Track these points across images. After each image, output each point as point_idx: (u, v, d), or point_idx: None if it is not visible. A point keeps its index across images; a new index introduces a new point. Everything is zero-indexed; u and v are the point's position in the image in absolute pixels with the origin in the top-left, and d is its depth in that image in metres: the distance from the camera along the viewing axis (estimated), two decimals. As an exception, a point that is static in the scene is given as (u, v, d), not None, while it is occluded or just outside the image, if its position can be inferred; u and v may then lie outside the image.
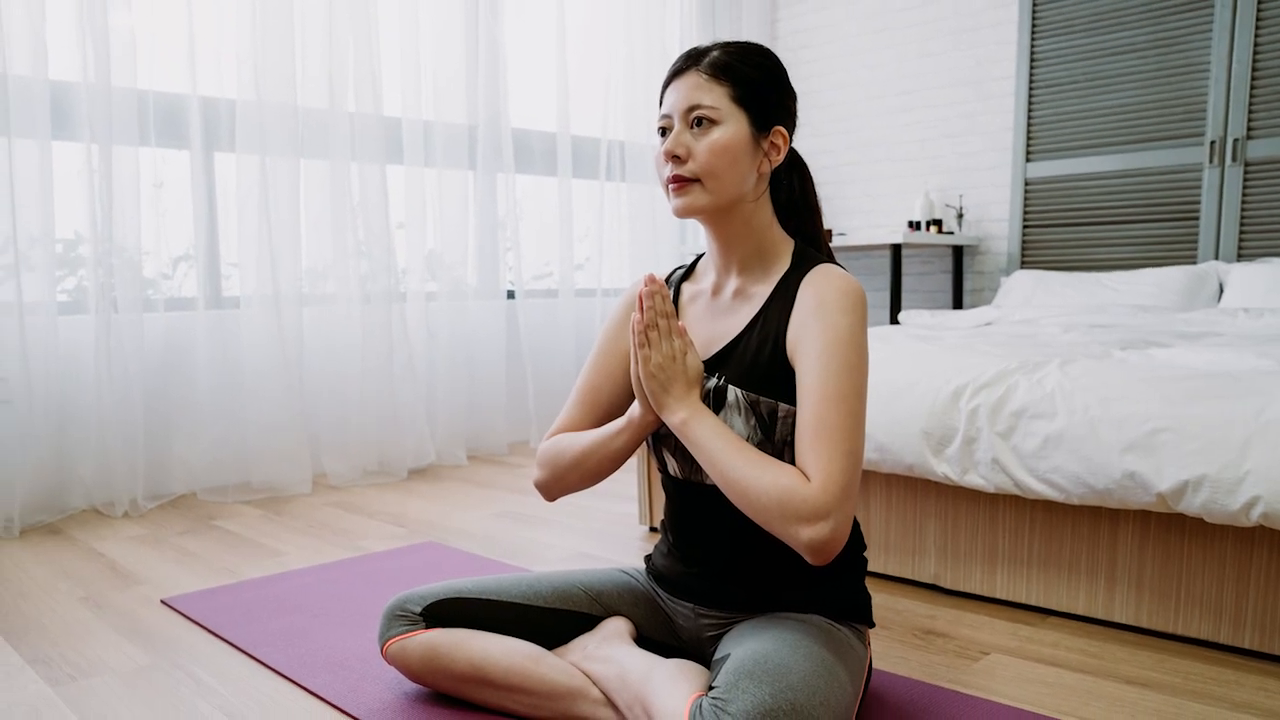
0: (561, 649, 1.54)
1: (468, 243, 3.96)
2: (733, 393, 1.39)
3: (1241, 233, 3.72)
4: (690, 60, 1.40)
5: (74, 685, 1.69)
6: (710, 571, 1.48)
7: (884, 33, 4.82)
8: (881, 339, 2.52)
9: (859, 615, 1.46)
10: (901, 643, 1.86)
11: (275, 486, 3.30)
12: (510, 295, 4.21)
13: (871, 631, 1.91)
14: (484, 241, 4.07)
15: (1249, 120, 3.68)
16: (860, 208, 4.99)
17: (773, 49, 4.58)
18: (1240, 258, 3.73)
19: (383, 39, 3.61)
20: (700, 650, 1.53)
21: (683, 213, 1.40)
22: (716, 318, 1.48)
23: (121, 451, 3.01)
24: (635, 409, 1.42)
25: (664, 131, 1.41)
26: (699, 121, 1.37)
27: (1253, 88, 3.66)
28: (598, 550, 2.56)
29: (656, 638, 1.57)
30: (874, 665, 1.73)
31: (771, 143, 1.41)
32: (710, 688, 1.24)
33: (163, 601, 2.13)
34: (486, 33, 3.96)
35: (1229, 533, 1.76)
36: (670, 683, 1.30)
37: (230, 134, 3.29)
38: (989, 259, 4.56)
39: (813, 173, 3.93)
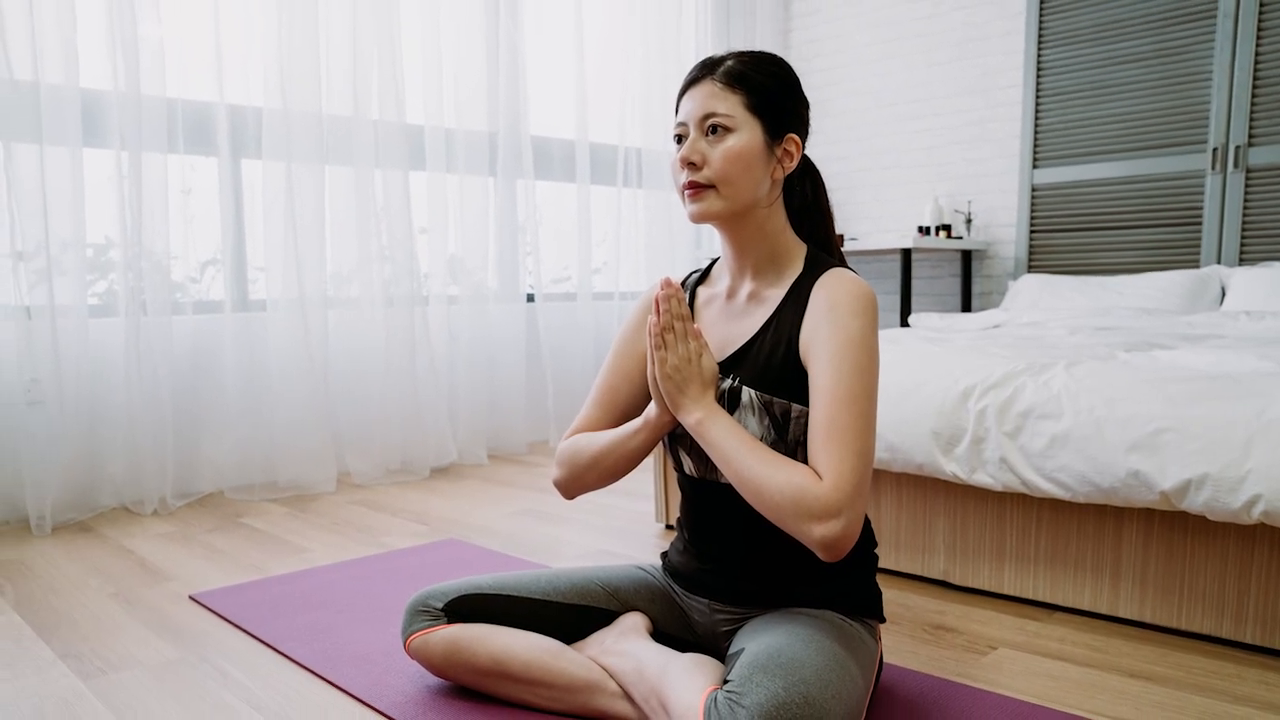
0: (580, 643, 1.55)
1: (488, 247, 3.99)
2: (747, 394, 1.40)
3: (1243, 238, 3.74)
4: (705, 69, 1.41)
5: (104, 679, 1.70)
6: (725, 568, 1.49)
7: (894, 42, 4.85)
8: (892, 341, 2.53)
9: (870, 610, 1.47)
10: (912, 637, 1.88)
11: (301, 485, 3.32)
12: (530, 299, 4.24)
13: (882, 626, 1.92)
14: (504, 246, 4.10)
15: (1250, 128, 3.70)
16: (871, 213, 5.01)
17: (786, 58, 4.61)
18: (1242, 262, 3.75)
19: (405, 49, 3.64)
20: (715, 645, 1.54)
21: (698, 218, 1.41)
22: (731, 320, 1.49)
23: (151, 451, 3.03)
24: (652, 409, 1.44)
25: (680, 139, 1.43)
26: (714, 129, 1.38)
27: (1254, 96, 3.68)
28: (615, 547, 2.57)
29: (672, 633, 1.58)
30: (885, 659, 1.75)
31: (785, 150, 1.42)
32: (725, 681, 1.25)
33: (191, 597, 2.15)
34: (507, 42, 3.99)
35: (1231, 530, 1.78)
36: (686, 676, 1.31)
37: (257, 141, 3.32)
38: (997, 263, 4.58)
39: (825, 179, 3.95)
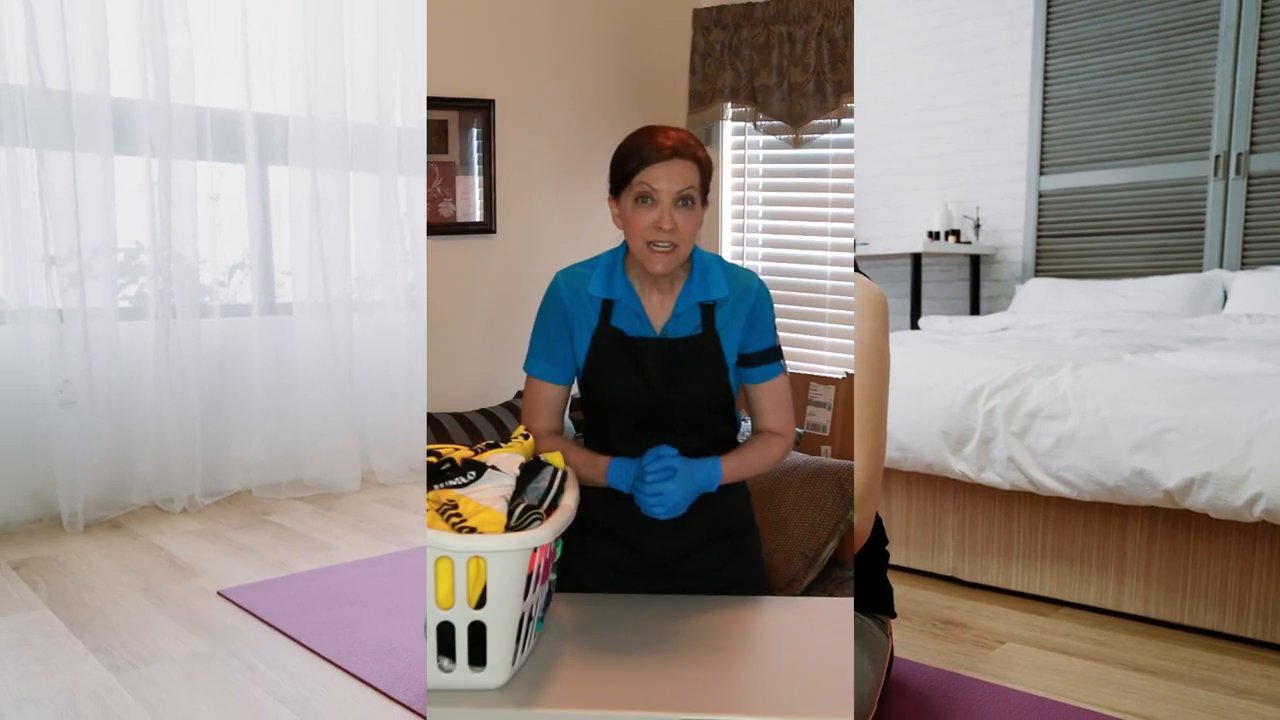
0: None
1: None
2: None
3: (1245, 243, 3.77)
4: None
5: (135, 672, 1.74)
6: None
7: (905, 53, 4.88)
8: (902, 343, 2.55)
9: (881, 606, 1.51)
10: (922, 632, 1.91)
11: (326, 483, 3.34)
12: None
13: (893, 621, 1.90)
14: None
15: (1252, 136, 3.74)
16: (882, 219, 5.05)
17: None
18: (1243, 266, 3.78)
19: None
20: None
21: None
22: None
23: (180, 450, 3.06)
24: None
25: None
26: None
27: (1255, 105, 3.72)
28: (632, 546, 2.61)
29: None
30: (895, 654, 1.77)
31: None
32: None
33: (219, 593, 2.19)
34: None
35: (1233, 528, 1.81)
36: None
37: (283, 148, 3.35)
38: (1004, 267, 4.61)
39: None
